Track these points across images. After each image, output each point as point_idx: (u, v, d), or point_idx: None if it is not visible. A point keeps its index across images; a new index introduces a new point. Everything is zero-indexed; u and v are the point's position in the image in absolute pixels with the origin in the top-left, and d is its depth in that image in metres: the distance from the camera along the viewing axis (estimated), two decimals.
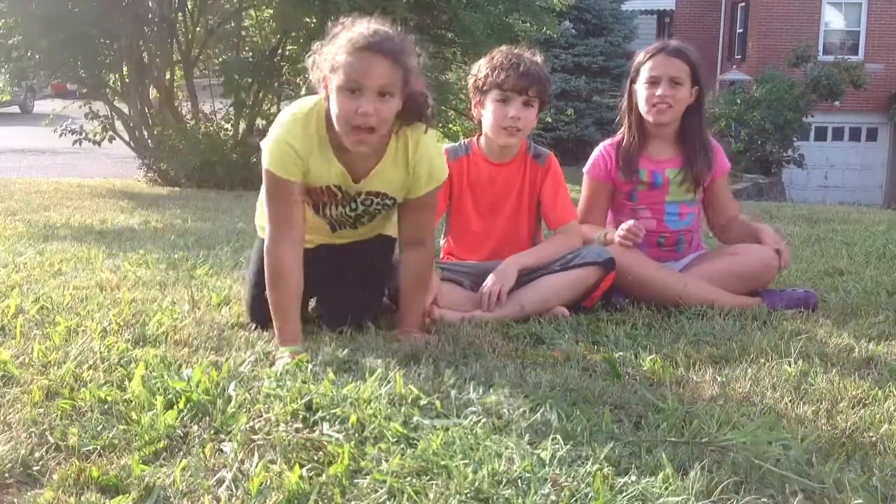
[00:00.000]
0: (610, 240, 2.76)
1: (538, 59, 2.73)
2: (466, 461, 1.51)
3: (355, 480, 1.46)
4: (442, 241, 2.98)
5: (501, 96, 2.67)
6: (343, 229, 2.51)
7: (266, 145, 2.28)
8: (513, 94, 2.65)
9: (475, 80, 2.73)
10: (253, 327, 2.42)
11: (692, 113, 2.92)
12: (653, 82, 2.86)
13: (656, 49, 2.90)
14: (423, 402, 1.79)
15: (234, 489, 1.45)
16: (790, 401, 1.87)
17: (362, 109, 2.13)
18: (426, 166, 2.33)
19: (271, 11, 9.34)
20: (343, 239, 2.54)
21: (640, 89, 2.89)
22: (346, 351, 2.16)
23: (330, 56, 2.17)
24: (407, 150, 2.31)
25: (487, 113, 2.71)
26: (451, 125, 11.33)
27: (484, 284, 2.61)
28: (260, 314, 2.38)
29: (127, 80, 9.30)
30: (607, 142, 3.04)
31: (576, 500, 1.40)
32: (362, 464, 1.52)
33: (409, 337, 2.32)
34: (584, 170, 3.02)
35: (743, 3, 21.60)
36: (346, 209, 2.42)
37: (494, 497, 1.41)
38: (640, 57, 2.94)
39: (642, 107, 2.89)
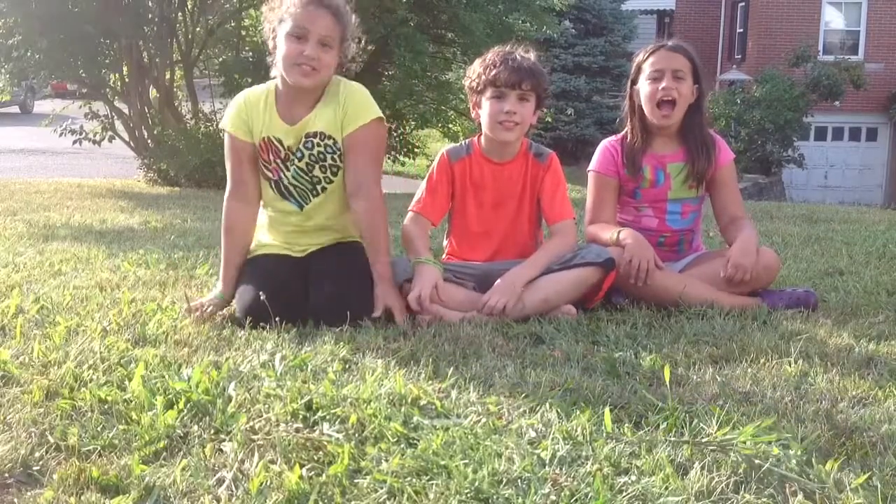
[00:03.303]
0: (622, 242, 2.75)
1: (531, 55, 2.73)
2: (466, 461, 1.51)
3: (355, 480, 1.47)
4: (445, 242, 2.98)
5: (496, 93, 2.67)
6: (308, 203, 2.66)
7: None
8: (507, 90, 2.66)
9: (470, 82, 2.74)
10: (249, 326, 2.41)
11: (693, 111, 2.92)
12: (656, 77, 2.86)
13: (656, 46, 2.92)
14: (423, 402, 1.80)
15: (234, 489, 1.45)
16: (790, 401, 1.87)
17: (307, 53, 2.47)
18: (356, 94, 2.60)
19: None
20: (320, 235, 2.69)
21: (644, 86, 2.89)
22: (346, 351, 2.17)
23: (283, 8, 2.51)
24: (338, 90, 2.60)
25: (484, 112, 2.71)
26: (451, 125, 11.34)
27: (488, 297, 2.58)
28: (256, 312, 2.41)
29: (127, 80, 9.31)
30: (611, 138, 3.03)
31: (576, 500, 1.40)
32: (362, 464, 1.52)
33: (386, 296, 2.53)
34: (590, 169, 3.01)
35: (743, 3, 21.60)
36: (297, 163, 2.62)
37: (494, 497, 1.41)
38: (640, 56, 2.95)
39: (646, 105, 2.89)
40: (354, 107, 2.58)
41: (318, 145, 2.60)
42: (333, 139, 2.60)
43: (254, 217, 2.71)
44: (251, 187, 2.67)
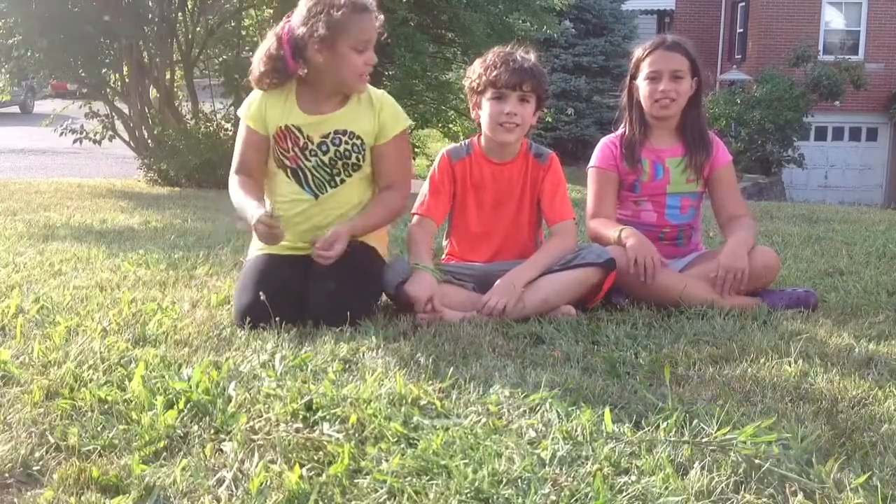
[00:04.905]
0: (623, 241, 2.75)
1: (531, 56, 2.73)
2: (466, 461, 1.51)
3: (355, 480, 1.47)
4: (445, 242, 2.98)
5: (496, 94, 2.67)
6: (323, 192, 2.66)
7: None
8: (507, 91, 2.66)
9: (471, 83, 2.74)
10: (248, 326, 2.41)
11: (691, 104, 2.95)
12: (654, 78, 2.88)
13: (655, 45, 2.93)
14: (423, 402, 1.80)
15: (234, 489, 1.45)
16: (790, 401, 1.87)
17: (373, 60, 2.59)
18: (389, 105, 2.70)
19: (271, 11, 9.33)
20: (328, 228, 2.62)
21: (642, 85, 2.92)
22: (346, 351, 2.17)
23: (331, 14, 2.49)
24: (370, 96, 2.68)
25: (484, 112, 2.71)
26: (451, 125, 11.33)
27: (487, 298, 2.58)
28: (255, 313, 2.40)
29: (127, 80, 9.29)
30: (610, 136, 3.05)
31: (576, 500, 1.40)
32: (362, 464, 1.52)
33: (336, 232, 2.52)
34: (590, 165, 3.02)
35: (743, 3, 21.61)
36: (320, 155, 2.64)
37: (494, 497, 1.41)
38: (638, 53, 2.97)
39: (645, 102, 2.91)
40: (390, 118, 2.67)
41: (346, 143, 2.64)
42: (361, 140, 2.65)
43: (258, 182, 2.73)
44: (254, 170, 2.73)
